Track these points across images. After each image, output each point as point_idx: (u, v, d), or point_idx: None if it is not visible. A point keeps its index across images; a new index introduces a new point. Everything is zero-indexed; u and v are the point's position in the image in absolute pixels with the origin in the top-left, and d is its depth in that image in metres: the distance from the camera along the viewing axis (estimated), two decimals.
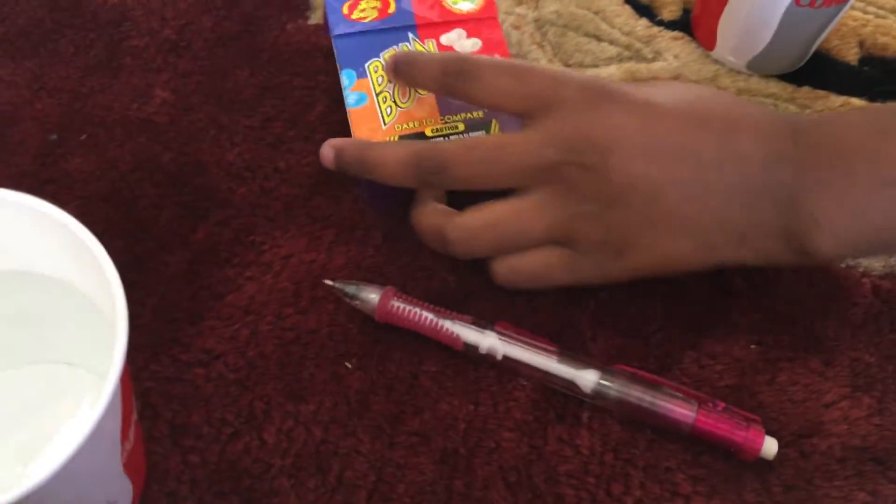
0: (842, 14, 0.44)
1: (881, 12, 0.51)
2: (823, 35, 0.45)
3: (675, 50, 0.49)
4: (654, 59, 0.48)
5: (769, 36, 0.44)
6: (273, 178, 0.42)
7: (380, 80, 0.41)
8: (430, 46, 0.42)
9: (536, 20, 0.50)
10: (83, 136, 0.43)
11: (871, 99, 0.47)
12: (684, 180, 0.34)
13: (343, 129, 0.43)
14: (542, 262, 0.37)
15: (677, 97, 0.36)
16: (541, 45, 0.49)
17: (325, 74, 0.46)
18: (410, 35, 0.42)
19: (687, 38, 0.49)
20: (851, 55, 0.49)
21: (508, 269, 0.37)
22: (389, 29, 0.42)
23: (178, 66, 0.46)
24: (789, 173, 0.33)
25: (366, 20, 0.42)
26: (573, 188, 0.35)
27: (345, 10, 0.42)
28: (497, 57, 0.42)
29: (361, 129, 0.41)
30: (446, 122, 0.41)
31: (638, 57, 0.48)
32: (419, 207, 0.39)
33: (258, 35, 0.48)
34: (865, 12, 0.51)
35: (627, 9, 0.50)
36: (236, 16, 0.48)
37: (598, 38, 0.49)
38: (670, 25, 0.50)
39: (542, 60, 0.48)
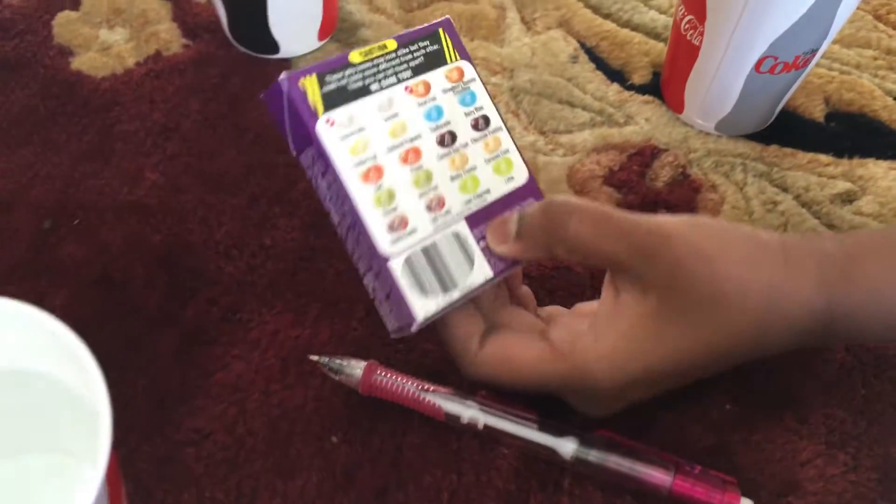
0: (803, 77, 0.46)
1: (845, 68, 0.53)
2: (788, 96, 0.47)
3: (645, 113, 0.50)
4: (625, 123, 0.50)
5: (734, 100, 0.46)
6: (259, 255, 0.44)
7: None
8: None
9: (511, 89, 0.51)
10: (76, 222, 0.45)
11: (838, 155, 0.48)
12: None
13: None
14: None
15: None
16: (516, 114, 0.50)
17: None
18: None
19: (657, 101, 0.51)
20: (818, 112, 0.51)
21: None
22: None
23: (167, 149, 0.48)
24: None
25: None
26: None
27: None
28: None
29: None
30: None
31: (610, 122, 0.50)
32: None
33: (244, 115, 0.49)
34: (830, 69, 0.52)
35: (599, 74, 0.52)
36: (223, 97, 0.50)
37: (572, 105, 0.51)
38: (641, 89, 0.52)
39: (517, 128, 0.50)
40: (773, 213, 0.46)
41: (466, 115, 0.35)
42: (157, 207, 0.45)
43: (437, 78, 0.34)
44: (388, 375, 0.38)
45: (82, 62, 0.52)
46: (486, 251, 0.34)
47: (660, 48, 0.53)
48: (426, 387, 0.38)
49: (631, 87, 0.52)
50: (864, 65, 0.53)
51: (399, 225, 0.32)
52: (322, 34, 0.53)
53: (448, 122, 0.34)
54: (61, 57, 0.52)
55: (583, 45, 0.54)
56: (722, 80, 0.45)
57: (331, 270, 0.43)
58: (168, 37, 0.53)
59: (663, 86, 0.51)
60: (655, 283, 0.32)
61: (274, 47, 0.51)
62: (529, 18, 0.55)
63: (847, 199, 0.46)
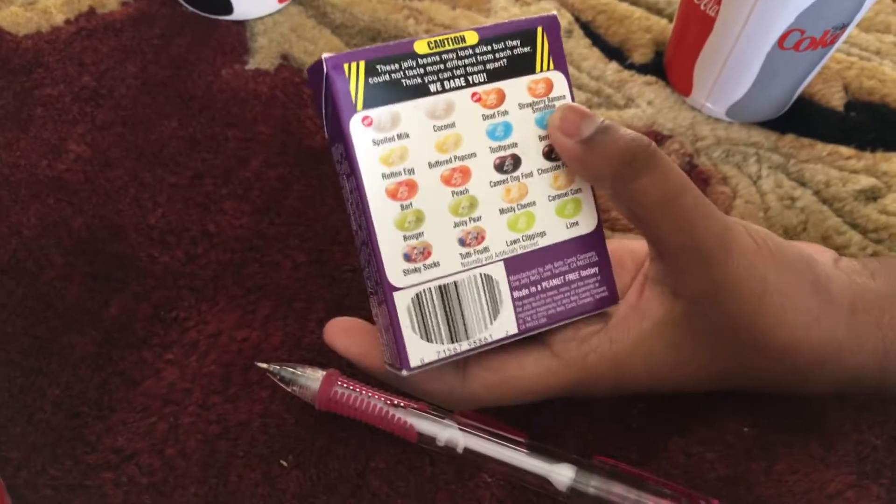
0: (827, 58, 0.40)
1: (865, 54, 0.48)
2: (809, 79, 0.42)
3: (648, 96, 0.45)
4: (626, 106, 0.44)
5: (750, 81, 0.41)
6: (201, 242, 0.37)
7: None
8: None
9: None
10: None
11: (860, 147, 0.43)
12: None
13: (281, 186, 0.38)
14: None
15: None
16: None
17: (264, 124, 0.41)
18: None
19: (661, 82, 0.45)
20: (836, 100, 0.46)
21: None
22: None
23: (97, 117, 0.41)
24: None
25: None
26: None
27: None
28: None
29: None
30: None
31: (608, 103, 0.44)
32: None
33: (189, 81, 0.43)
34: (849, 54, 0.48)
35: (596, 51, 0.47)
36: (164, 60, 0.43)
37: None
38: (642, 69, 0.46)
39: None
40: (792, 210, 0.40)
41: (541, 138, 0.28)
42: (80, 184, 0.39)
43: (516, 88, 0.27)
44: (351, 388, 0.32)
45: (2, 17, 0.45)
46: (520, 303, 0.28)
47: (663, 25, 0.48)
48: (396, 401, 0.32)
49: (631, 67, 0.46)
50: (884, 51, 0.48)
51: (419, 254, 0.26)
52: None
53: (515, 144, 0.28)
54: None
55: (577, 19, 0.48)
56: (739, 57, 0.40)
57: (286, 262, 0.37)
58: None
59: (668, 65, 0.45)
60: (690, 290, 0.27)
61: (226, 7, 0.45)
62: None
63: (871, 195, 0.41)
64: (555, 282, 0.29)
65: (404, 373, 0.27)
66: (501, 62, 0.27)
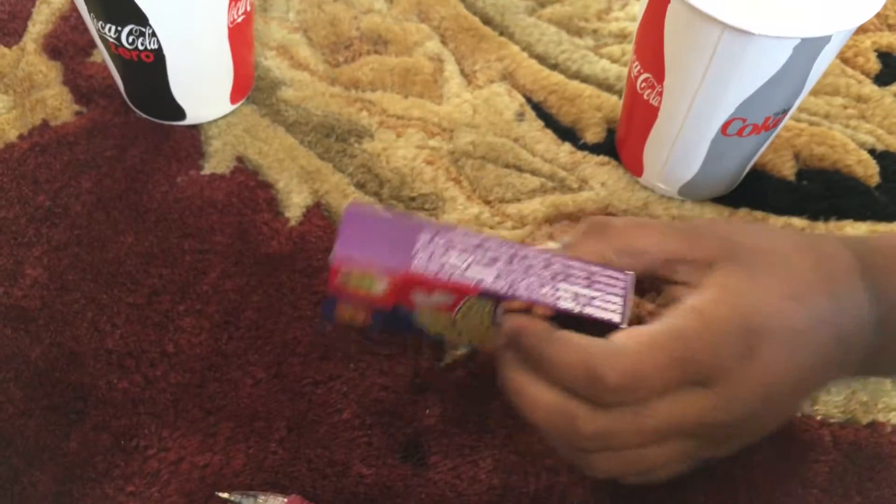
0: (772, 137, 0.41)
1: (815, 119, 0.48)
2: (757, 157, 0.42)
3: (601, 177, 0.45)
4: (580, 189, 0.45)
5: (698, 164, 0.41)
6: (160, 364, 0.37)
7: None
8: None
9: (452, 153, 0.46)
10: None
11: (813, 218, 0.44)
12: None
13: (238, 298, 0.38)
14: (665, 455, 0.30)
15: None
16: (458, 181, 0.45)
17: (220, 233, 0.42)
18: None
19: (613, 162, 0.46)
20: (788, 169, 0.46)
21: (621, 463, 0.30)
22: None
23: (53, 238, 0.41)
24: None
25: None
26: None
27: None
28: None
29: None
30: None
31: (563, 187, 0.45)
32: (532, 389, 0.29)
33: (144, 193, 0.43)
34: (798, 120, 0.48)
35: (549, 133, 0.47)
36: (119, 172, 0.44)
37: (520, 169, 0.45)
38: (595, 149, 0.46)
39: (460, 198, 0.44)
40: None
41: None
42: (37, 311, 0.39)
43: None
44: None
45: None
46: None
47: (613, 101, 0.48)
48: None
49: (584, 147, 0.47)
50: (833, 114, 0.49)
51: None
52: (235, 96, 0.46)
53: None
54: None
55: (529, 100, 0.49)
56: (684, 144, 0.40)
57: (246, 380, 0.37)
58: (57, 103, 0.47)
59: (619, 145, 0.46)
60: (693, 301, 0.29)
61: (179, 113, 0.45)
62: (469, 71, 0.50)
63: None
64: None
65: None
66: None
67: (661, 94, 0.39)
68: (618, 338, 0.28)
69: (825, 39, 0.34)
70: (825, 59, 0.35)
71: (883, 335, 0.31)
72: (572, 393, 0.28)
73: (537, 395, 0.29)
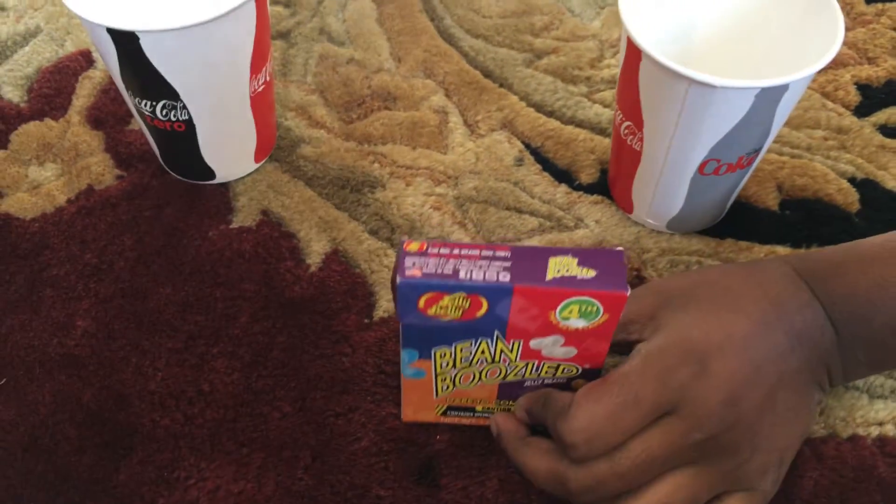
0: (749, 174, 0.44)
1: (796, 151, 0.51)
2: (737, 192, 0.46)
3: (595, 215, 0.49)
4: (575, 227, 0.48)
5: (681, 202, 0.44)
6: (197, 402, 0.42)
7: (444, 364, 0.36)
8: (515, 348, 0.35)
9: (457, 198, 0.50)
10: (2, 381, 0.42)
11: (795, 246, 0.47)
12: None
13: (266, 340, 0.42)
14: (667, 492, 0.34)
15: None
16: (462, 224, 0.49)
17: (249, 281, 0.46)
18: (496, 332, 0.34)
19: (607, 200, 0.49)
20: (771, 200, 0.49)
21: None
22: (470, 326, 0.34)
23: (99, 292, 0.46)
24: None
25: (443, 318, 0.33)
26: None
27: (421, 303, 0.32)
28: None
29: (412, 395, 0.39)
30: (499, 404, 0.39)
31: (560, 226, 0.48)
32: (525, 449, 0.36)
33: (180, 248, 0.48)
34: (780, 153, 0.51)
35: (546, 176, 0.51)
36: (158, 230, 0.48)
37: (519, 211, 0.49)
38: (589, 189, 0.50)
39: (465, 240, 0.48)
40: None
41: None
42: (88, 358, 0.43)
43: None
44: None
45: (10, 204, 0.50)
46: None
47: (605, 144, 0.52)
48: None
49: (579, 188, 0.50)
50: (814, 146, 0.52)
51: None
52: (259, 155, 0.51)
53: None
54: None
55: (528, 146, 0.53)
56: (666, 183, 0.44)
57: (274, 414, 0.41)
58: (100, 169, 0.52)
59: (611, 185, 0.50)
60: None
61: (209, 174, 0.50)
62: (472, 121, 0.54)
63: None
64: None
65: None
66: None
67: (641, 139, 0.43)
68: (574, 399, 0.33)
69: (783, 87, 0.37)
70: (788, 103, 0.39)
71: (864, 329, 0.34)
72: (561, 454, 0.34)
73: (534, 466, 0.35)
